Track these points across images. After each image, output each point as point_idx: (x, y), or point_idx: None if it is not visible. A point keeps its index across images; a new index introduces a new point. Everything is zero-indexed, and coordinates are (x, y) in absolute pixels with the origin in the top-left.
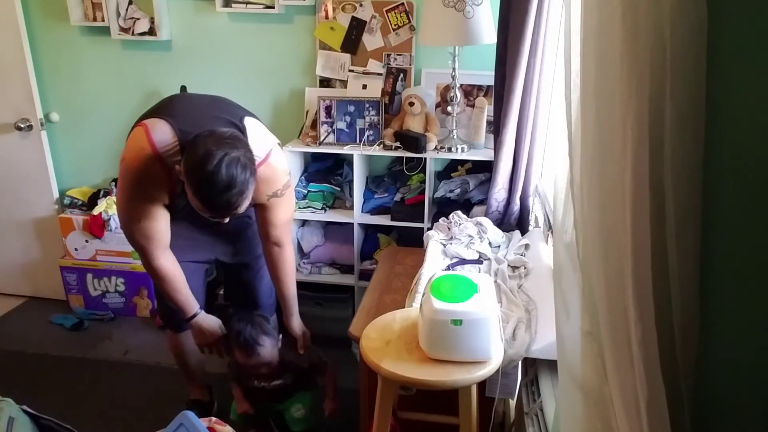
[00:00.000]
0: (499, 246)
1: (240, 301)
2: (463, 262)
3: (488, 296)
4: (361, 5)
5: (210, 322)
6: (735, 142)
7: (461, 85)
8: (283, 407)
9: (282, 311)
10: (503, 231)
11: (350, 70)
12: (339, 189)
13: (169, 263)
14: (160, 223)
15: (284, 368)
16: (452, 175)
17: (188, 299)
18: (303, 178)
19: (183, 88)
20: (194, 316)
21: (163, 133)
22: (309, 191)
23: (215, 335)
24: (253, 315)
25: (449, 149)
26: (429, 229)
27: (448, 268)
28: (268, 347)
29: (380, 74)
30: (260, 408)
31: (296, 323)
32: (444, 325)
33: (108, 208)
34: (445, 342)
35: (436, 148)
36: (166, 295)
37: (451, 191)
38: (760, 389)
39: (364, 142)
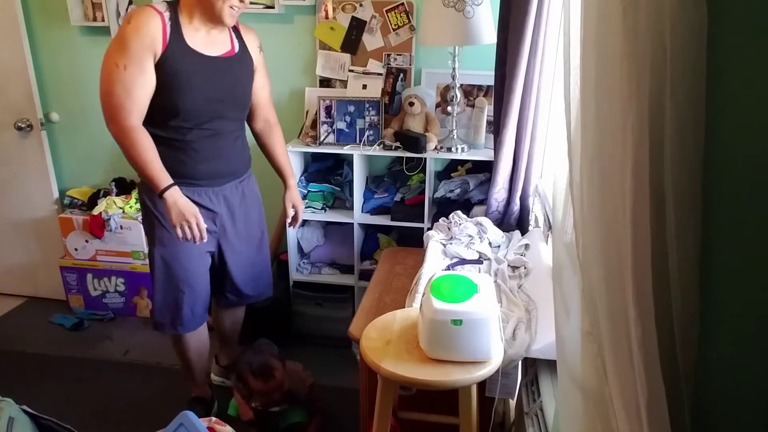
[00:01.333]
0: (499, 246)
1: (236, 286)
2: (463, 262)
3: (488, 296)
4: (361, 5)
5: (185, 199)
6: (735, 142)
7: (461, 85)
8: (281, 425)
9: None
10: (503, 231)
11: (350, 70)
12: (339, 189)
13: (141, 127)
14: (146, 78)
15: (283, 397)
16: (452, 175)
17: (161, 171)
18: (303, 178)
19: None
20: (168, 188)
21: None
22: (309, 191)
23: (190, 211)
24: (256, 344)
25: (449, 149)
26: (429, 229)
27: (448, 268)
28: (280, 369)
29: (380, 74)
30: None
31: (292, 193)
32: (444, 325)
33: (108, 208)
34: (445, 342)
35: (436, 148)
36: (139, 165)
37: (451, 191)
38: (760, 389)
39: (364, 142)
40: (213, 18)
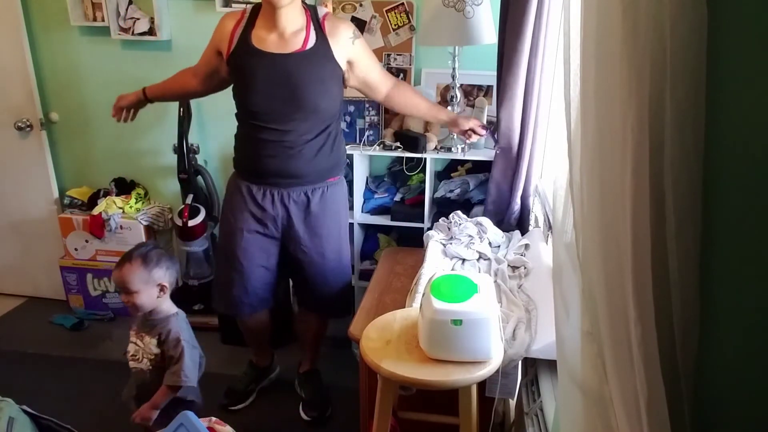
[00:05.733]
0: (499, 246)
1: (306, 296)
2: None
3: (488, 296)
4: (361, 5)
5: (133, 98)
6: (735, 142)
7: (461, 85)
8: None
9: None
10: (503, 231)
11: None
12: None
13: (185, 72)
14: (207, 57)
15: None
16: (452, 175)
17: (154, 86)
18: None
19: None
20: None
21: None
22: None
23: (125, 103)
24: (154, 244)
25: (449, 149)
26: (429, 229)
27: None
28: (141, 275)
29: None
30: None
31: (452, 118)
32: (444, 325)
33: (108, 208)
34: (445, 342)
35: (436, 148)
36: None
37: (451, 191)
38: (760, 389)
39: (364, 142)
40: (270, 9)
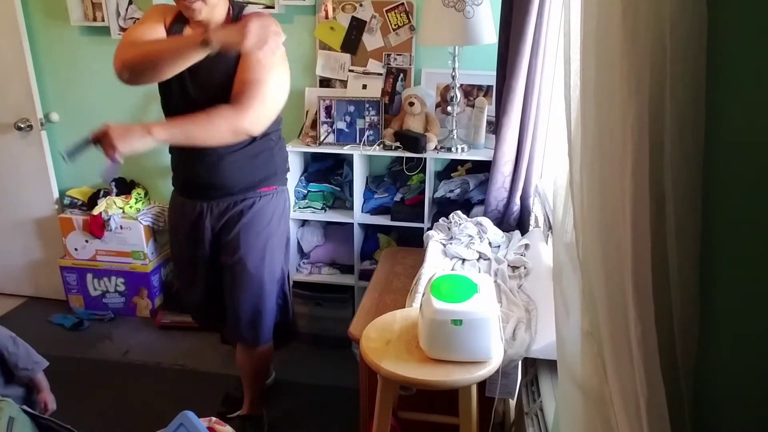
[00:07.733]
0: (499, 246)
1: (225, 312)
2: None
3: (488, 296)
4: (361, 5)
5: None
6: (735, 142)
7: (461, 85)
8: None
9: None
10: (503, 231)
11: (350, 70)
12: (339, 189)
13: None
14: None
15: None
16: (452, 175)
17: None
18: (303, 178)
19: None
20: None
21: None
22: (309, 191)
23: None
24: None
25: (449, 149)
26: (429, 229)
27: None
28: None
29: (380, 74)
30: None
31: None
32: (444, 325)
33: (108, 208)
34: (445, 342)
35: (436, 148)
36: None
37: (451, 191)
38: (760, 389)
39: (364, 142)
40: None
